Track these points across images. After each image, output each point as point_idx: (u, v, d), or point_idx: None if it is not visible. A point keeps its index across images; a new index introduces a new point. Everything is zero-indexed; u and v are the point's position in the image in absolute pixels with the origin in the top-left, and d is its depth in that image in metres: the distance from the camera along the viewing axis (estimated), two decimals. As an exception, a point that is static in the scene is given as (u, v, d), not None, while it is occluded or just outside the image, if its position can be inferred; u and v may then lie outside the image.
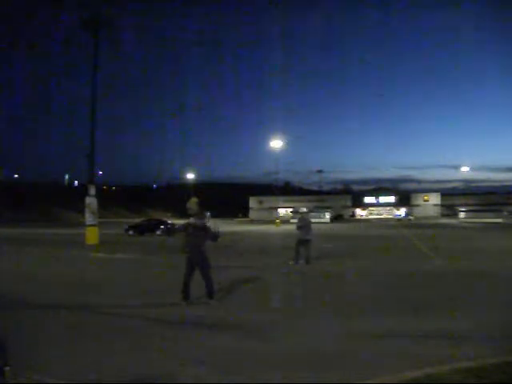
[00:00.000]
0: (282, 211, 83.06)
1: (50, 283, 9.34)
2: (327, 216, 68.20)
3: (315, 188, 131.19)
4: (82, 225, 24.99)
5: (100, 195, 24.38)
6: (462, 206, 76.09)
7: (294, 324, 5.83)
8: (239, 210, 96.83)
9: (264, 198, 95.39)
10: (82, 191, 27.82)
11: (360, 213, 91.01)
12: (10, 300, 7.32)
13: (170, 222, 33.31)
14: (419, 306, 6.75)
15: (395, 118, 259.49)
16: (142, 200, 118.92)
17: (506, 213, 62.42)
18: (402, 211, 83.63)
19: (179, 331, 5.56)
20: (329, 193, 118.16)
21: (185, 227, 7.19)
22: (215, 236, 7.40)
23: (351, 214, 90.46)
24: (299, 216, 13.15)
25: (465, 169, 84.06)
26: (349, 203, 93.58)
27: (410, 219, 67.81)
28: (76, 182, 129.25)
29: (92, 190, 22.35)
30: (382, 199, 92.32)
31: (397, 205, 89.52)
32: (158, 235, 29.54)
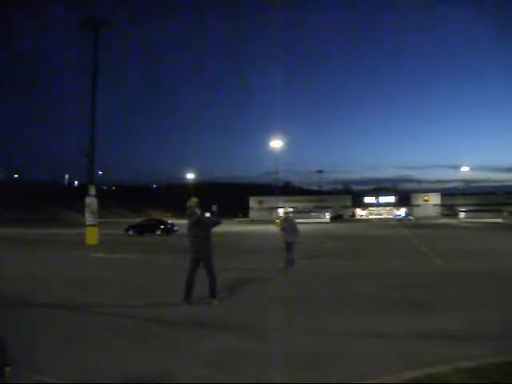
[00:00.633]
0: (282, 211, 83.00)
1: (50, 283, 9.33)
2: (327, 216, 68.17)
3: (315, 188, 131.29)
4: (82, 225, 24.99)
5: (100, 195, 24.39)
6: (461, 206, 76.09)
7: (294, 324, 5.83)
8: (239, 210, 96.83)
9: (264, 198, 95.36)
10: (82, 191, 27.82)
11: (360, 213, 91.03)
12: (10, 300, 7.32)
13: (170, 222, 33.32)
14: (419, 306, 6.75)
15: (395, 118, 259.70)
16: (142, 200, 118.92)
17: (505, 213, 62.45)
18: (401, 211, 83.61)
19: (179, 331, 5.56)
20: (329, 193, 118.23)
21: (189, 225, 7.13)
22: (217, 222, 7.33)
23: (351, 214, 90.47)
24: (284, 217, 12.30)
25: (465, 169, 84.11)
26: (349, 203, 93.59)
27: (409, 219, 67.81)
28: (76, 182, 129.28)
29: (92, 190, 22.36)
30: (382, 199, 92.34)
31: (397, 205, 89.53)
32: (158, 235, 29.56)
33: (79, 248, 19.02)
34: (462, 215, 62.59)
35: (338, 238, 27.09)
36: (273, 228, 42.44)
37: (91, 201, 22.21)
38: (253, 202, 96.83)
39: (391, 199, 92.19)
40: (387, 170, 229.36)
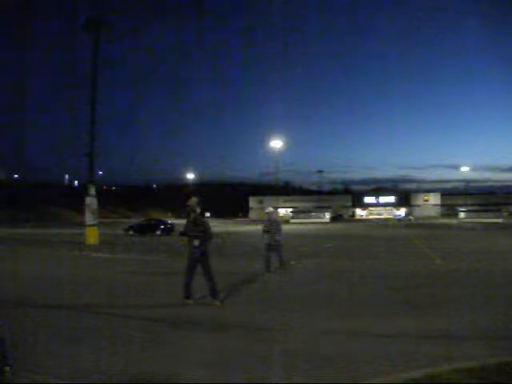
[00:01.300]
0: (282, 211, 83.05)
1: (50, 283, 9.33)
2: (327, 216, 68.20)
3: (315, 188, 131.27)
4: (82, 225, 25.00)
5: (100, 195, 24.40)
6: (461, 206, 76.12)
7: (294, 324, 5.83)
8: (239, 210, 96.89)
9: (264, 198, 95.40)
10: (82, 191, 27.84)
11: (360, 213, 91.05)
12: (10, 300, 7.32)
13: (169, 222, 33.35)
14: (419, 306, 6.75)
15: (395, 118, 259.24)
16: (141, 200, 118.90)
17: (505, 213, 62.47)
18: (401, 211, 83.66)
19: (180, 331, 5.56)
20: (329, 193, 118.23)
21: (187, 225, 7.14)
22: (210, 236, 7.27)
23: (351, 214, 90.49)
24: (267, 217, 11.17)
25: (465, 169, 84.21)
26: (349, 203, 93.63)
27: (409, 219, 67.83)
28: (76, 182, 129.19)
29: (92, 190, 22.36)
30: (382, 199, 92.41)
31: (397, 205, 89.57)
32: (158, 235, 29.57)
33: (79, 248, 19.02)
34: (461, 215, 62.60)
35: (337, 237, 27.11)
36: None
37: (91, 201, 22.21)
38: (253, 202, 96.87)
39: (391, 199, 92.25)
40: (387, 170, 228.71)
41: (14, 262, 13.77)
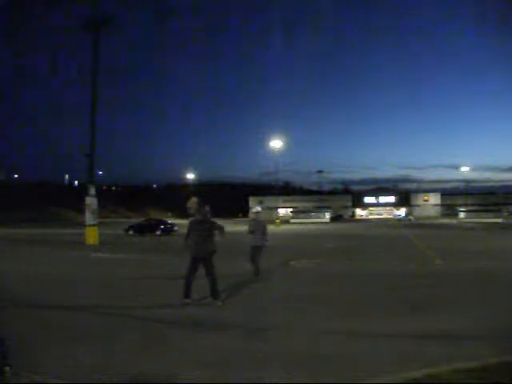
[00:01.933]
0: (282, 211, 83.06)
1: (50, 283, 9.34)
2: (327, 216, 68.24)
3: (315, 188, 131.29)
4: (82, 225, 25.01)
5: (100, 195, 24.40)
6: (461, 205, 76.13)
7: (294, 324, 5.82)
8: (239, 210, 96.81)
9: (264, 198, 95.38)
10: (82, 191, 27.84)
11: (360, 213, 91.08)
12: (10, 300, 7.32)
13: (169, 221, 33.35)
14: (419, 306, 6.75)
15: (395, 118, 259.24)
16: (142, 200, 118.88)
17: (505, 213, 62.47)
18: (401, 211, 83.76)
19: (180, 331, 5.56)
20: (329, 193, 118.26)
21: (190, 225, 7.09)
22: (221, 228, 7.26)
23: (351, 214, 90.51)
24: (252, 217, 10.49)
25: (465, 169, 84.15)
26: (349, 203, 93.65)
27: (409, 219, 67.86)
28: (76, 182, 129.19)
29: (92, 190, 22.37)
30: (382, 199, 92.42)
31: (397, 205, 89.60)
32: (158, 235, 29.58)
33: (79, 248, 19.04)
34: (461, 215, 62.65)
35: (338, 238, 27.11)
36: (273, 228, 42.49)
37: (91, 201, 22.22)
38: (253, 202, 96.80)
39: (391, 199, 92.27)
40: (387, 170, 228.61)
41: (14, 262, 13.77)
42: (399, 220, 68.43)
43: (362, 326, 5.63)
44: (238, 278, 9.56)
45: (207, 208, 7.16)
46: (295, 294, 8.10)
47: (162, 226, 31.12)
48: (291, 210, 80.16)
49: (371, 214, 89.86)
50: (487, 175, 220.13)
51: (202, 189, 79.70)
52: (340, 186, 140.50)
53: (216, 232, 7.08)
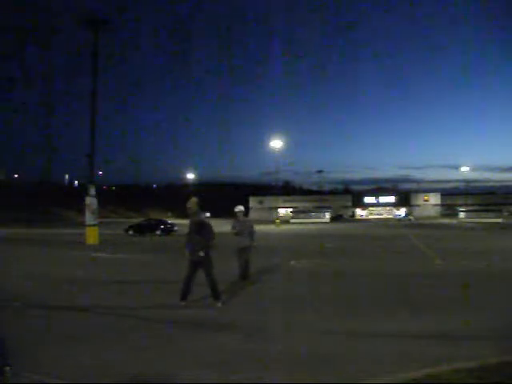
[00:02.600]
0: (282, 211, 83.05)
1: (50, 283, 9.34)
2: (327, 216, 68.20)
3: (315, 188, 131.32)
4: (82, 225, 25.01)
5: (100, 195, 24.41)
6: (461, 205, 76.11)
7: (294, 324, 5.83)
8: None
9: (264, 198, 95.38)
10: (82, 191, 27.85)
11: (360, 213, 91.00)
12: (10, 300, 7.32)
13: (170, 221, 33.35)
14: (419, 306, 6.75)
15: (395, 118, 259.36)
16: (141, 200, 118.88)
17: (506, 213, 62.46)
18: (401, 211, 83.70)
19: (180, 331, 5.56)
20: (329, 193, 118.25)
21: (190, 225, 7.08)
22: (211, 235, 7.19)
23: (351, 214, 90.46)
24: (236, 216, 9.42)
25: (465, 169, 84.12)
26: (349, 203, 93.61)
27: (409, 219, 67.84)
28: (76, 182, 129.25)
29: (92, 190, 22.37)
30: (382, 199, 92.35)
31: (397, 205, 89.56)
32: (158, 235, 29.58)
33: (79, 248, 19.03)
34: (461, 215, 62.64)
35: (337, 238, 27.10)
36: (274, 228, 42.49)
37: (91, 201, 22.23)
38: (253, 201, 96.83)
39: (391, 199, 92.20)
40: (387, 170, 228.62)
41: (14, 261, 13.76)
42: (399, 220, 68.41)
43: (362, 326, 5.63)
44: (238, 278, 9.54)
45: (203, 214, 7.06)
46: (295, 293, 8.10)
47: (162, 226, 31.13)
48: (291, 209, 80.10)
49: (371, 213, 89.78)
50: (487, 175, 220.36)
51: (202, 189, 79.70)
52: (340, 186, 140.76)
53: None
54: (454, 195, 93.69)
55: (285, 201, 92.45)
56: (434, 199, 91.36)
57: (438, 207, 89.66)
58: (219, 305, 6.77)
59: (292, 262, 12.86)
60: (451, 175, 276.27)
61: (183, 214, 7.79)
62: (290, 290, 8.53)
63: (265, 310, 6.72)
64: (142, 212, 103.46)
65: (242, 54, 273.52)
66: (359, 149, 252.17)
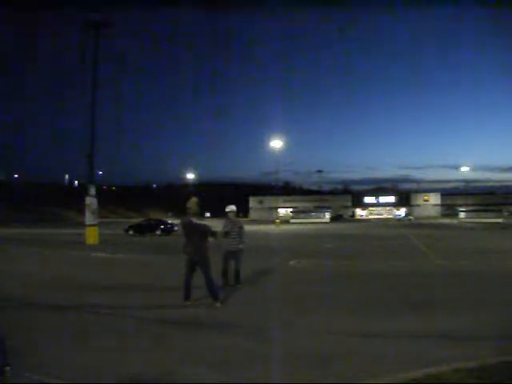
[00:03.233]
0: (282, 211, 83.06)
1: (50, 283, 9.34)
2: (327, 216, 68.19)
3: (315, 188, 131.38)
4: (82, 225, 25.01)
5: (100, 195, 24.40)
6: (462, 205, 76.10)
7: (294, 324, 5.83)
8: (239, 210, 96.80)
9: (264, 198, 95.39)
10: (82, 191, 27.85)
11: (360, 213, 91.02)
12: (10, 300, 7.32)
13: (170, 221, 33.33)
14: (419, 306, 6.75)
15: (395, 118, 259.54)
16: (141, 200, 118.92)
17: (506, 213, 62.45)
18: (401, 211, 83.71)
19: (180, 331, 5.56)
20: (329, 193, 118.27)
21: (183, 227, 7.12)
22: (213, 232, 7.19)
23: (351, 214, 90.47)
24: (227, 216, 8.73)
25: (465, 169, 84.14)
26: (349, 203, 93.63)
27: (409, 219, 67.84)
28: (76, 182, 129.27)
29: (92, 190, 22.37)
30: (382, 199, 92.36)
31: (397, 205, 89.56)
32: (158, 235, 29.57)
33: (79, 248, 19.03)
34: (461, 215, 62.60)
35: (337, 238, 27.10)
36: (274, 228, 42.48)
37: (91, 201, 22.22)
38: (253, 201, 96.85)
39: (391, 199, 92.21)
40: (387, 170, 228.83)
41: (14, 262, 13.77)
42: (399, 220, 68.44)
43: (362, 326, 5.63)
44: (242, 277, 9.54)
45: (206, 214, 7.07)
46: (295, 293, 8.10)
47: (162, 226, 31.10)
48: (291, 209, 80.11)
49: (371, 213, 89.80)
50: (487, 175, 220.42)
51: (202, 189, 79.69)
52: (340, 186, 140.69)
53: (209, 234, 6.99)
54: (454, 195, 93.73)
55: (285, 201, 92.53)
56: (434, 199, 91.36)
57: (438, 207, 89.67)
58: (218, 305, 6.77)
59: (292, 262, 12.85)
60: (451, 175, 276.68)
61: (183, 214, 7.72)
62: (289, 290, 8.53)
63: (265, 309, 6.73)
64: (142, 212, 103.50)
65: (242, 53, 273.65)
66: (359, 149, 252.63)
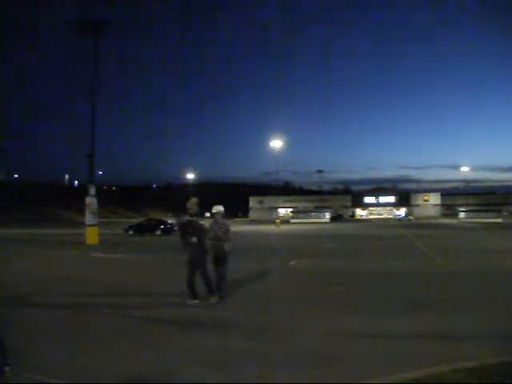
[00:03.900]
0: (282, 211, 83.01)
1: (50, 283, 9.34)
2: (327, 216, 68.14)
3: (315, 188, 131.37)
4: (82, 225, 25.00)
5: (100, 195, 24.40)
6: (461, 205, 76.05)
7: (294, 324, 5.83)
8: (239, 210, 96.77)
9: (264, 198, 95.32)
10: (82, 191, 27.84)
11: (360, 213, 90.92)
12: (10, 300, 7.32)
13: (170, 221, 33.31)
14: (419, 306, 6.75)
15: (395, 118, 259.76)
16: (141, 200, 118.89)
17: (505, 213, 62.42)
18: (401, 211, 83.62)
19: (180, 331, 5.56)
20: (329, 193, 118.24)
21: (181, 227, 7.14)
22: (203, 234, 7.19)
23: (351, 214, 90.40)
24: (214, 218, 7.52)
25: (465, 169, 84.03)
26: (349, 203, 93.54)
27: (409, 219, 67.80)
28: (76, 182, 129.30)
29: (92, 190, 22.37)
30: (382, 199, 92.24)
31: (397, 205, 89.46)
32: (158, 235, 29.55)
33: (79, 248, 19.03)
34: (461, 215, 62.54)
35: (337, 238, 27.08)
36: (274, 228, 42.46)
37: (91, 201, 22.22)
38: (253, 201, 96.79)
39: (391, 199, 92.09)
40: (387, 170, 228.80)
41: (14, 261, 13.77)
42: (399, 220, 68.38)
43: (362, 326, 5.63)
44: (237, 277, 9.55)
45: (206, 215, 7.12)
46: (295, 293, 8.10)
47: (162, 226, 31.08)
48: (291, 209, 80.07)
49: (371, 213, 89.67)
50: (487, 175, 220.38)
51: (202, 189, 79.64)
52: (340, 186, 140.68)
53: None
54: (454, 195, 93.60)
55: (285, 201, 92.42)
56: (434, 199, 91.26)
57: (438, 207, 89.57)
58: (213, 301, 6.82)
59: (292, 262, 12.85)
60: (451, 175, 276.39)
61: (182, 214, 7.69)
62: (289, 290, 8.53)
63: (265, 309, 6.72)
64: (142, 212, 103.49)
65: (242, 53, 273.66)
66: (359, 149, 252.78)
